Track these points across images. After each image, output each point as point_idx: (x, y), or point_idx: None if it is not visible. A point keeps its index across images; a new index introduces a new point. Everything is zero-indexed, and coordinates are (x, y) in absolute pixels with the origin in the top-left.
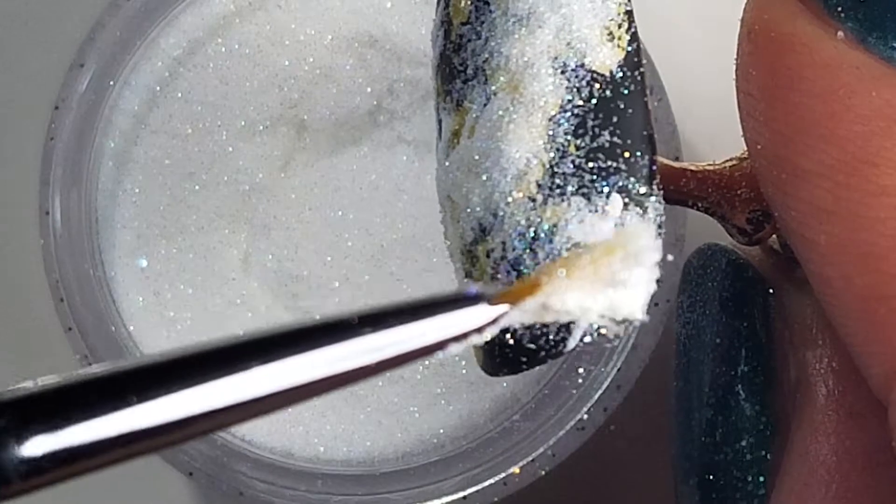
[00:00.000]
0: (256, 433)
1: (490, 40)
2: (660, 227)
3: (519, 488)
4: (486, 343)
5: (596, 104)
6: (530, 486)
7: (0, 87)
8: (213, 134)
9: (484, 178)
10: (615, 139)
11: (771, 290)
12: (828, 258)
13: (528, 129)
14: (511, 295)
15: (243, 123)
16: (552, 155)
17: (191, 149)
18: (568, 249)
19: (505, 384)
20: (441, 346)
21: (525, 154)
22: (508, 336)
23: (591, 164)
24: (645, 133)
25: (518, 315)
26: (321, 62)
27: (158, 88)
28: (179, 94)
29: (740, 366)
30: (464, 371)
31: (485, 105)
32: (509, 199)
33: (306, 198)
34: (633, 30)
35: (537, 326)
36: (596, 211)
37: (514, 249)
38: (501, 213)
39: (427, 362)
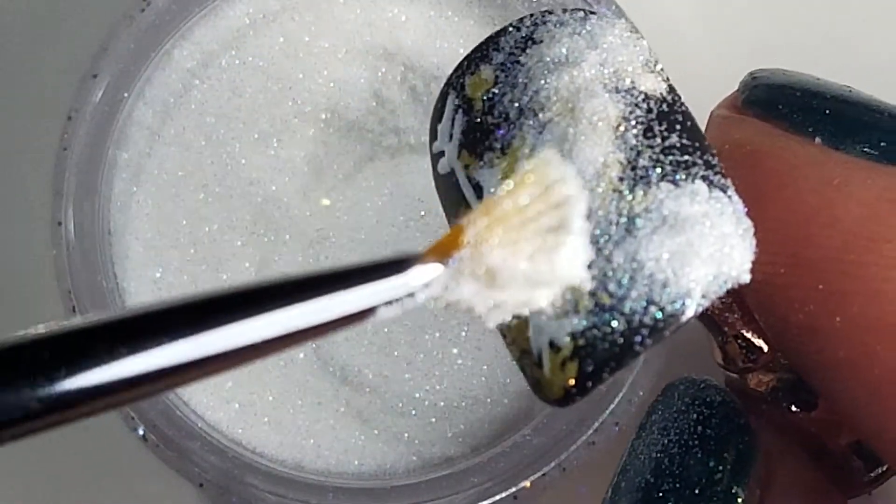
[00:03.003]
0: (268, 445)
1: (531, 83)
2: (748, 213)
3: (529, 502)
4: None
5: (657, 115)
6: (541, 501)
7: (14, 97)
8: (226, 146)
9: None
10: (684, 141)
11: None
12: (846, 340)
13: (595, 137)
14: (438, 249)
15: (257, 136)
16: (627, 153)
17: (204, 161)
18: (664, 223)
19: (513, 399)
20: (371, 311)
21: (599, 156)
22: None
23: (669, 158)
24: (707, 142)
25: (452, 275)
26: (335, 75)
27: (172, 100)
28: (193, 106)
29: None
30: (474, 385)
31: (540, 133)
32: (594, 192)
33: (320, 209)
34: (663, 67)
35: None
36: (686, 193)
37: (608, 238)
38: (586, 210)
39: (437, 373)
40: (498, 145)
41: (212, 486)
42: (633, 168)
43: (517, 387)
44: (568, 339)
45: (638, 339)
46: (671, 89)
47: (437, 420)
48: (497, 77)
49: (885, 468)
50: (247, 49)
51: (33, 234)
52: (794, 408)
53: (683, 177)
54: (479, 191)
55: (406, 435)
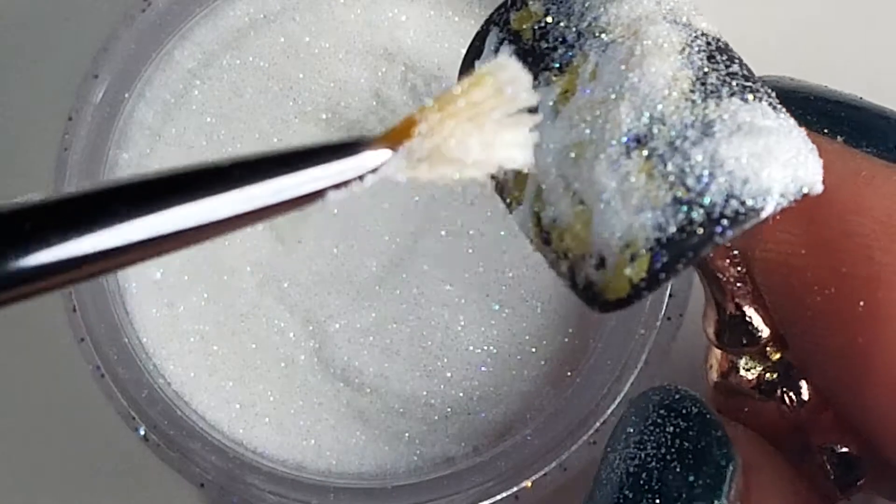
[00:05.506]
0: (269, 446)
1: (588, 12)
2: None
3: (530, 502)
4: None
5: (716, 48)
6: (542, 500)
7: (15, 97)
8: (227, 146)
9: (627, 97)
10: (745, 72)
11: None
12: (867, 326)
13: (662, 56)
14: (390, 138)
15: (257, 136)
16: (695, 71)
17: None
18: (739, 129)
19: (514, 399)
20: (320, 194)
21: (669, 70)
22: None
23: (734, 82)
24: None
25: (402, 161)
26: (335, 75)
27: (173, 101)
28: (194, 107)
29: None
30: (476, 385)
31: (603, 51)
32: (667, 99)
33: (321, 210)
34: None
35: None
36: (756, 109)
37: (685, 139)
38: (659, 114)
39: (438, 374)
40: (556, 64)
41: (213, 487)
42: (703, 84)
43: (518, 387)
44: (641, 232)
45: (719, 229)
46: (721, 35)
47: (437, 420)
48: (548, 9)
49: (859, 479)
50: (247, 49)
51: None
52: (789, 398)
53: (751, 97)
54: (533, 109)
55: (407, 435)
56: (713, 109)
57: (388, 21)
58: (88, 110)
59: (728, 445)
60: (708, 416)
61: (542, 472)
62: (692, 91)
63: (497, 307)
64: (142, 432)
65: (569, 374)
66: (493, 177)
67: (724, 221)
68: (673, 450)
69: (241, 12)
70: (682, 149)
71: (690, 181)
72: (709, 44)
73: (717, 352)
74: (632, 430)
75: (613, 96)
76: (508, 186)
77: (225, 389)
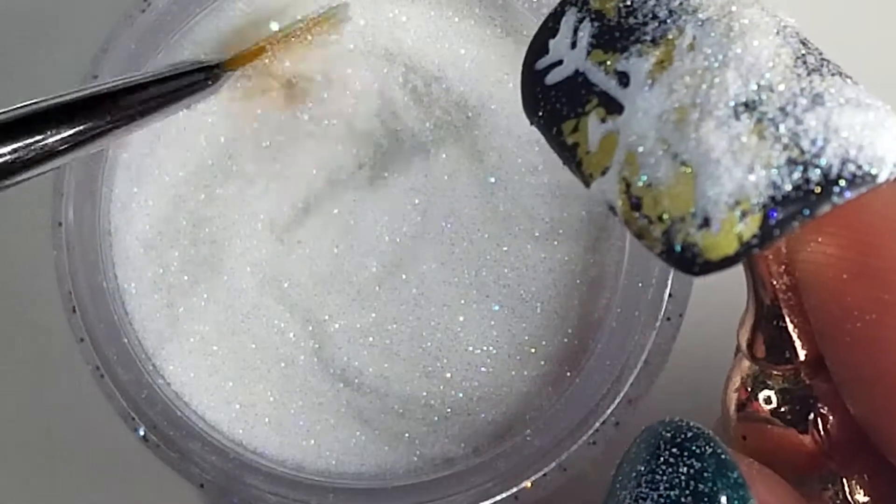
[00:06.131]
0: (268, 446)
1: None
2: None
3: (530, 502)
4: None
5: (804, 38)
6: (542, 501)
7: (14, 97)
8: (227, 146)
9: (732, 65)
10: (833, 62)
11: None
12: None
13: (761, 33)
14: (240, 59)
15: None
16: (794, 50)
17: (205, 161)
18: (848, 102)
19: (514, 400)
20: (184, 104)
21: (771, 45)
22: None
23: (830, 65)
24: None
25: (251, 79)
26: (336, 75)
27: None
28: (194, 106)
29: None
30: (476, 386)
31: (700, 26)
32: (774, 70)
33: (321, 210)
34: None
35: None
36: (858, 88)
37: (795, 105)
38: (767, 82)
39: (438, 374)
40: (648, 38)
41: (212, 487)
42: (804, 62)
43: (518, 388)
44: (754, 190)
45: (836, 189)
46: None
47: (437, 421)
48: None
49: None
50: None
51: (34, 235)
52: (825, 425)
53: (849, 81)
54: (624, 78)
55: (407, 435)
56: (819, 83)
57: (388, 21)
58: None
59: (744, 488)
60: (723, 456)
61: (542, 473)
62: (795, 66)
63: (497, 307)
64: (141, 432)
65: (569, 374)
66: (570, 149)
67: (842, 182)
68: (688, 492)
69: (240, 12)
70: (793, 114)
71: (805, 143)
72: (797, 32)
73: (742, 374)
74: (642, 468)
75: (717, 65)
76: (590, 157)
77: (225, 389)
